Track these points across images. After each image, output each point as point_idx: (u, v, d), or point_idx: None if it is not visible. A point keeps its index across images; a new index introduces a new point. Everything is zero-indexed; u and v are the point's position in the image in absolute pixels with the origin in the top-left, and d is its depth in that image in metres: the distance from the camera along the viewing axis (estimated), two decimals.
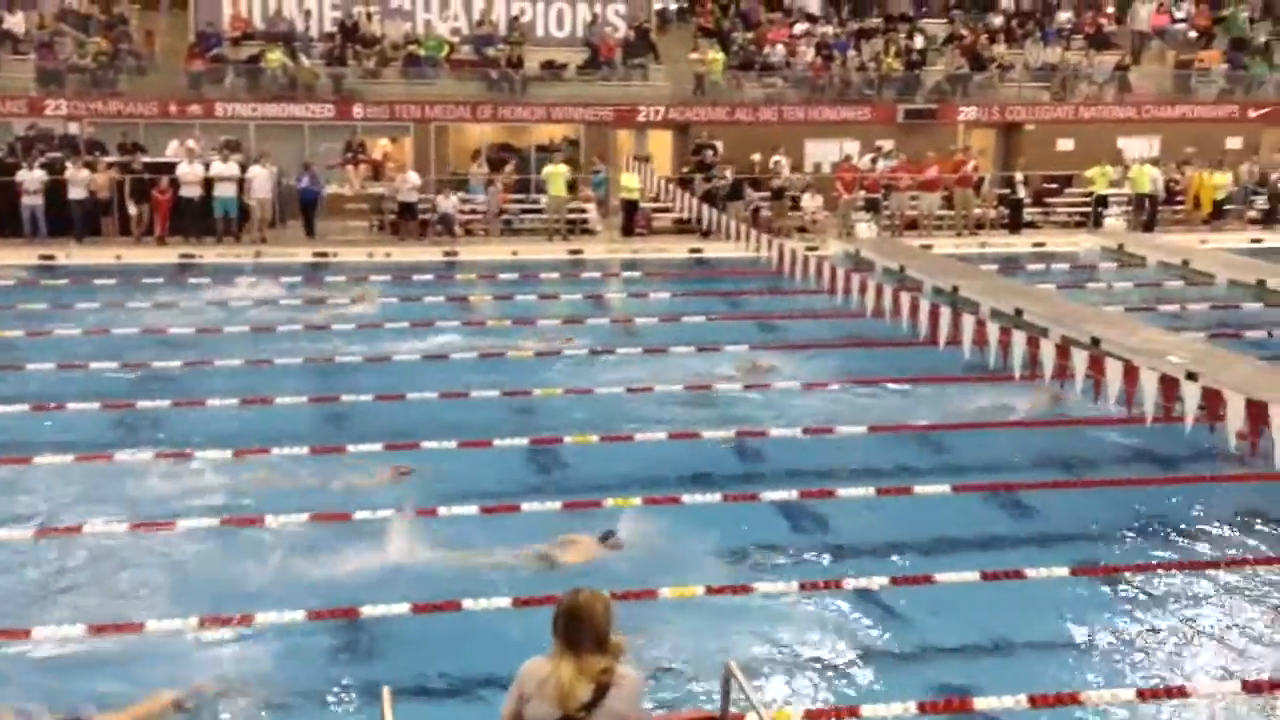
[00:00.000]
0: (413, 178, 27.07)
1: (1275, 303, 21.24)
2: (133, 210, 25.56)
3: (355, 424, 14.15)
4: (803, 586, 9.82)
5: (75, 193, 25.22)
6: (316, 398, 15.07)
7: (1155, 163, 30.82)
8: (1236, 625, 9.48)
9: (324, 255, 25.23)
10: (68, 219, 25.20)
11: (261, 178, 26.05)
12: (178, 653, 8.86)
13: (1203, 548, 10.95)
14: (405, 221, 26.91)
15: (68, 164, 25.50)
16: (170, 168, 25.92)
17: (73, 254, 24.39)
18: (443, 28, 31.55)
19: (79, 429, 13.63)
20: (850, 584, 9.82)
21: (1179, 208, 30.40)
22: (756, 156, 29.46)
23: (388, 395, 14.90)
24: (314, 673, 8.62)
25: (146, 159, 26.46)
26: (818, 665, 8.71)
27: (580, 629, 5.03)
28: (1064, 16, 35.02)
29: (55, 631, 9.01)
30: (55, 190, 25.06)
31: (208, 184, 25.75)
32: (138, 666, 8.61)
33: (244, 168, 26.15)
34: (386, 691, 5.74)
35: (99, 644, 8.93)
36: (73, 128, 27.57)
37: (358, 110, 29.37)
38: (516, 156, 29.54)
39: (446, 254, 25.80)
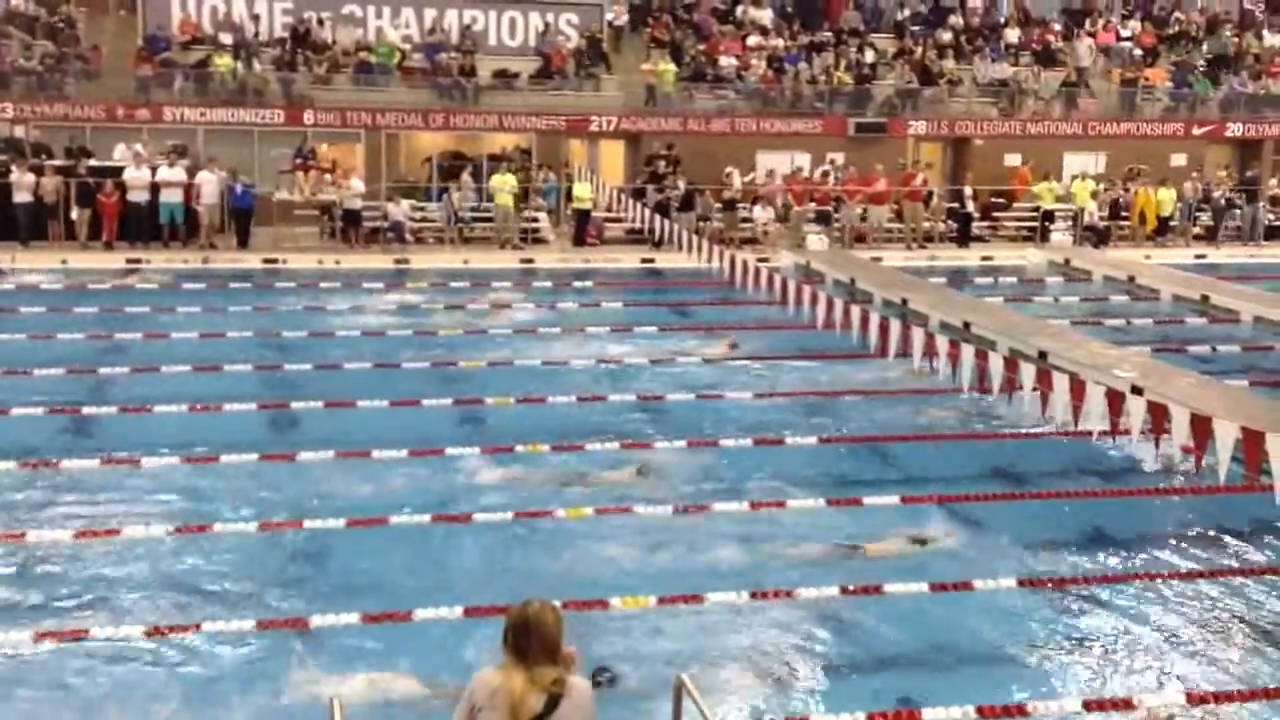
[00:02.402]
0: (356, 184, 26.93)
1: (1219, 318, 21.54)
2: (75, 214, 25.25)
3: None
4: (753, 595, 9.85)
5: (20, 196, 24.89)
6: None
7: (1097, 179, 31.26)
8: (1181, 636, 9.59)
9: (273, 262, 25.04)
10: (13, 222, 24.87)
11: (209, 184, 25.82)
12: None
13: (1148, 559, 11.08)
14: (351, 228, 26.77)
15: (13, 168, 25.16)
16: (117, 172, 25.64)
17: (18, 258, 24.06)
18: (394, 35, 31.44)
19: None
20: (801, 594, 9.86)
21: (1125, 224, 30.79)
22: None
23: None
24: None
25: (93, 163, 26.18)
26: (767, 676, 8.73)
27: (530, 640, 5.03)
28: (1012, 34, 35.36)
29: None
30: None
31: (155, 189, 25.50)
32: None
33: (191, 173, 25.92)
34: (336, 707, 5.69)
35: None
36: (18, 131, 27.17)
37: (308, 116, 29.18)
38: (471, 164, 29.45)
39: (397, 261, 25.69)
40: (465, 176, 28.24)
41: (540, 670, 5.00)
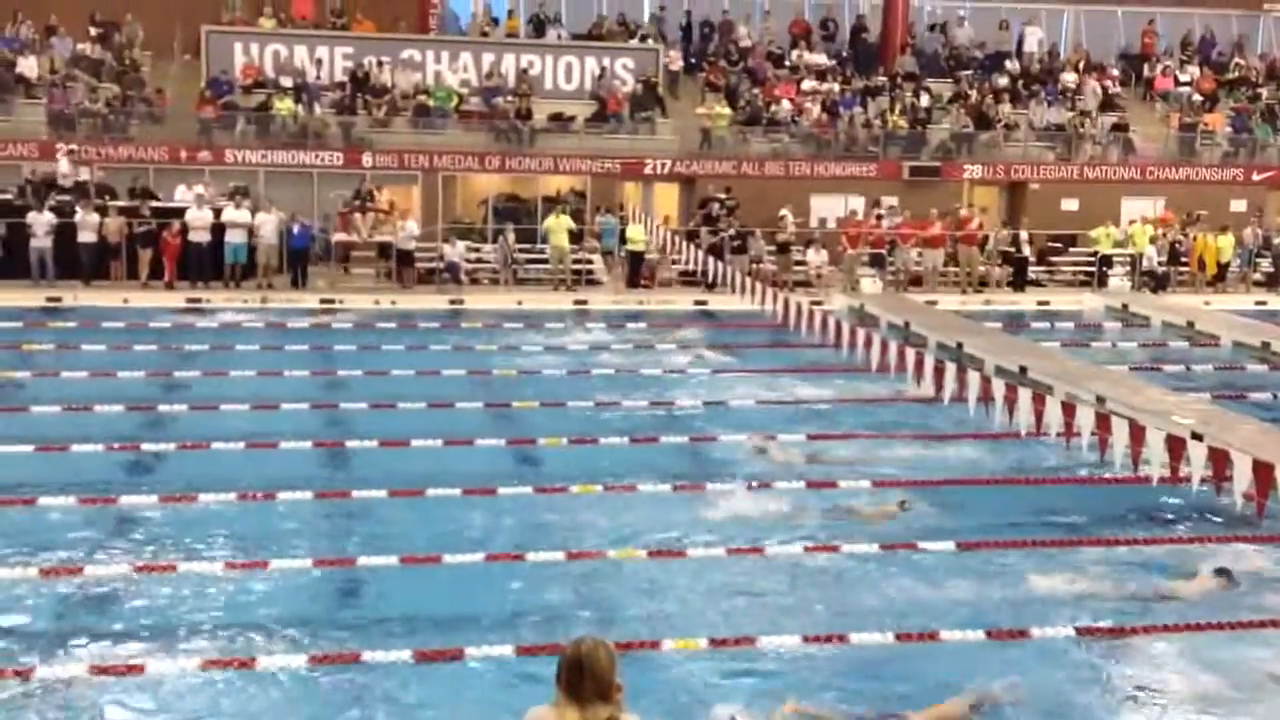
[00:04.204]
0: (411, 226, 27.20)
1: None
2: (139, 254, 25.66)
3: None
4: (804, 639, 9.78)
5: (84, 236, 25.33)
6: None
7: (1156, 224, 30.99)
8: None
9: (330, 303, 25.29)
10: (76, 261, 25.31)
11: (269, 224, 26.17)
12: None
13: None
14: (404, 269, 27.02)
15: (77, 208, 25.62)
16: (179, 213, 26.04)
17: (80, 296, 24.45)
18: (452, 79, 31.77)
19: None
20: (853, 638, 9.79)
21: (1184, 270, 30.47)
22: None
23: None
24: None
25: (156, 204, 26.60)
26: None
27: (584, 678, 5.02)
28: (1070, 78, 35.20)
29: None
30: (64, 233, 25.16)
31: (216, 229, 25.87)
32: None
33: (252, 214, 26.29)
34: None
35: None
36: (83, 172, 27.68)
37: (367, 159, 29.53)
38: (525, 208, 29.69)
39: (452, 301, 25.87)
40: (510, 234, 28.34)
41: (594, 709, 4.99)
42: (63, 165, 27.20)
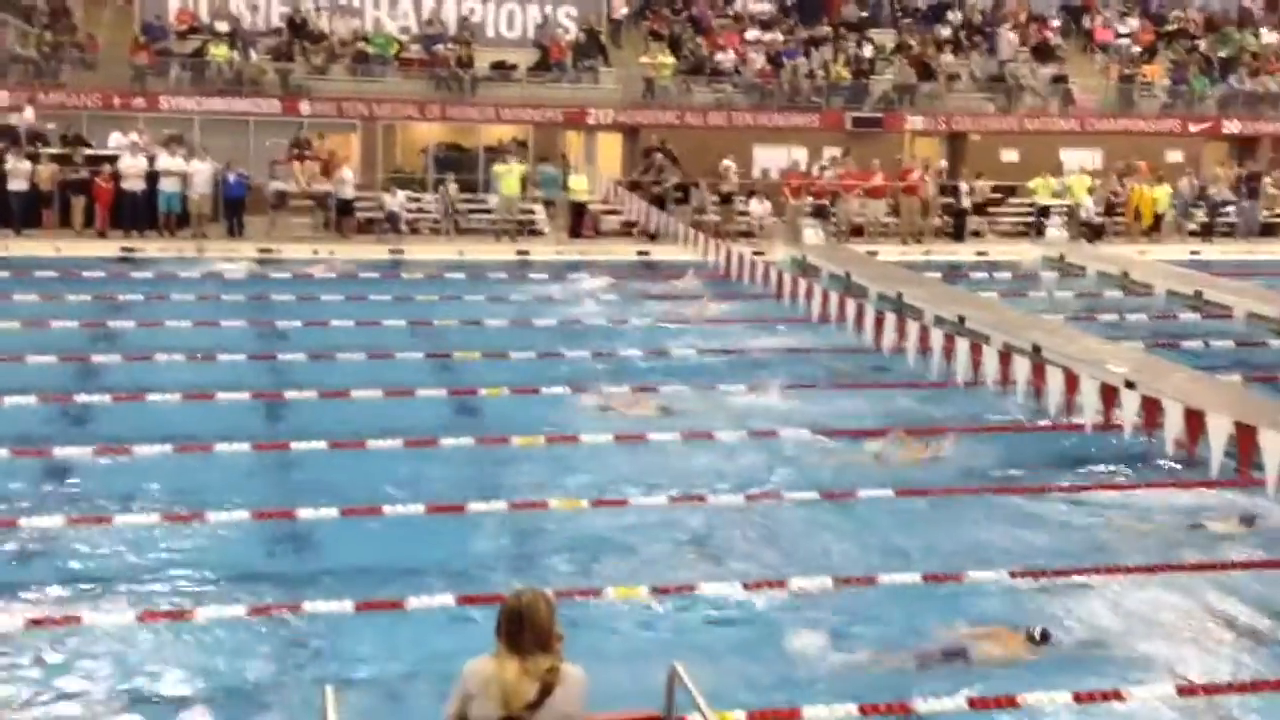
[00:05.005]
0: (346, 174, 26.90)
1: (1213, 313, 21.55)
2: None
3: None
4: (746, 586, 9.87)
5: (15, 184, 24.84)
6: None
7: (1093, 175, 31.28)
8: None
9: (268, 252, 25.00)
10: (7, 210, 24.83)
11: (202, 173, 25.78)
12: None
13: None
14: (343, 218, 26.74)
15: (8, 155, 25.11)
16: (113, 160, 25.59)
17: (11, 246, 24.02)
18: (392, 25, 31.40)
19: None
20: (792, 585, 9.89)
21: (1119, 220, 30.78)
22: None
23: None
24: None
25: (89, 151, 26.12)
26: (759, 667, 8.74)
27: (523, 630, 5.05)
28: (1010, 30, 35.28)
29: None
30: None
31: (150, 178, 25.46)
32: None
33: (187, 162, 25.87)
34: (330, 696, 5.68)
35: None
36: (13, 119, 27.13)
37: (304, 106, 29.13)
38: (466, 158, 29.46)
39: (392, 251, 25.66)
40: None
41: (534, 659, 5.01)
42: (28, 114, 26.70)
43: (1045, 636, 8.98)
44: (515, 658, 5.02)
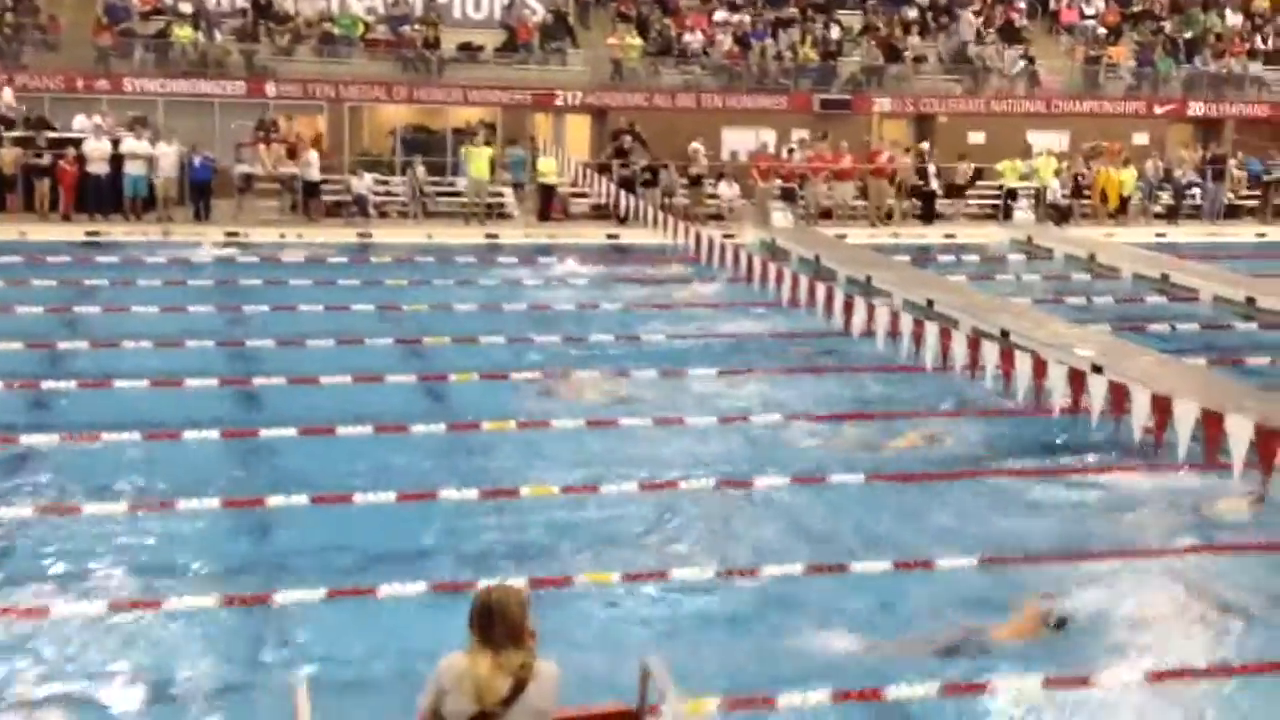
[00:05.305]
0: (311, 156, 26.75)
1: (1179, 296, 21.72)
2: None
3: None
4: (718, 575, 9.91)
5: None
6: None
7: (1060, 157, 31.41)
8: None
9: (234, 235, 24.83)
10: None
11: (168, 156, 25.57)
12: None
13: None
14: (312, 201, 26.59)
15: None
16: (77, 143, 25.34)
17: None
18: (358, 6, 31.16)
19: None
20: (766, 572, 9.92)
21: (1086, 203, 30.94)
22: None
23: None
24: None
25: (52, 134, 25.84)
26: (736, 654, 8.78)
27: (494, 626, 5.06)
28: (974, 10, 35.31)
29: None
30: None
31: (114, 161, 25.22)
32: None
33: (152, 144, 25.65)
34: (301, 689, 5.68)
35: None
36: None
37: (270, 88, 28.91)
38: (434, 140, 29.33)
39: (360, 235, 25.53)
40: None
41: (507, 654, 5.02)
42: (6, 95, 26.39)
43: (1062, 623, 9.09)
44: (488, 653, 5.04)
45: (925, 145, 30.50)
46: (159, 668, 8.37)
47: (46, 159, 25.11)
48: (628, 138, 29.42)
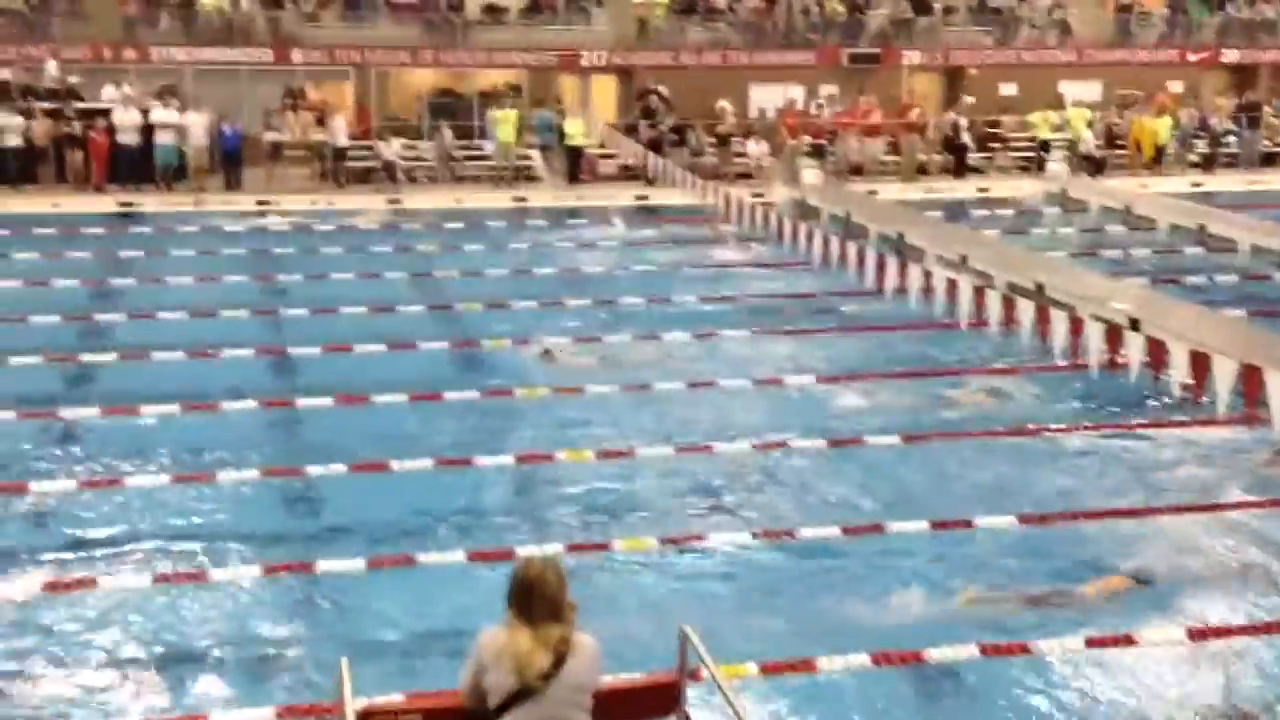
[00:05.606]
0: (340, 123, 26.75)
1: (1217, 247, 21.47)
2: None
3: None
4: (754, 536, 9.92)
5: (9, 140, 24.69)
6: None
7: (1093, 108, 31.07)
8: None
9: (265, 204, 24.87)
10: (2, 166, 24.70)
11: (198, 125, 25.61)
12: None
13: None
14: (339, 167, 26.62)
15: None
16: (106, 114, 25.41)
17: (8, 202, 23.89)
18: None
19: None
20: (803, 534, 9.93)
21: (1121, 153, 30.61)
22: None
23: None
24: None
25: (82, 105, 25.92)
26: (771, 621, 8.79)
27: (533, 600, 5.06)
28: None
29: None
30: None
31: (145, 131, 25.28)
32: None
33: (181, 114, 25.71)
34: (344, 661, 5.72)
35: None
36: (4, 73, 26.91)
37: (296, 55, 28.90)
38: (461, 104, 29.29)
39: (390, 201, 25.54)
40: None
41: (546, 629, 5.03)
42: (51, 69, 26.49)
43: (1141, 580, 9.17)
44: (527, 628, 5.04)
45: (954, 117, 30.00)
46: (205, 638, 8.46)
47: (77, 129, 25.18)
48: (654, 98, 29.27)
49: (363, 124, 28.21)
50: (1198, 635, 8.36)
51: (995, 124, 31.18)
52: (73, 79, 26.96)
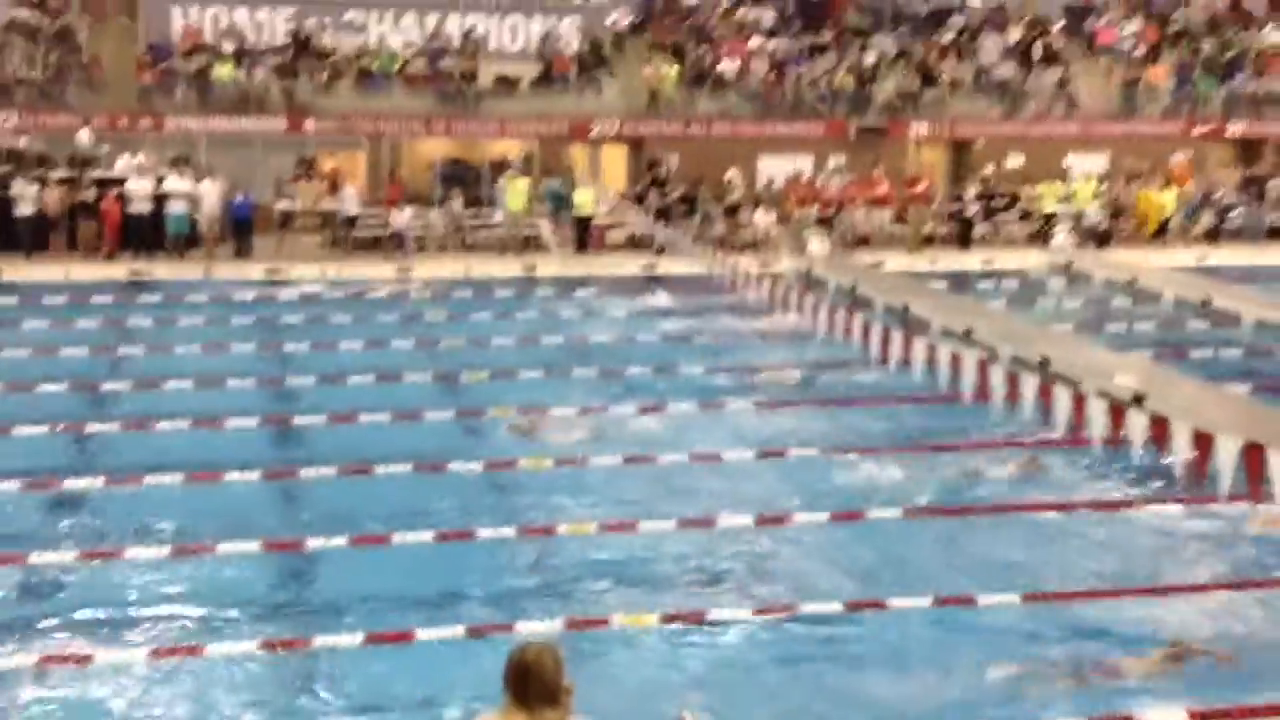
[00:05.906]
0: (349, 191, 26.99)
1: (1221, 320, 21.50)
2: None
3: None
4: (756, 613, 9.89)
5: (23, 209, 24.93)
6: None
7: (1100, 180, 31.22)
8: None
9: (275, 272, 25.04)
10: (14, 235, 24.91)
11: (211, 194, 25.86)
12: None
13: None
14: (349, 235, 26.82)
15: (15, 180, 25.18)
16: (120, 183, 25.67)
17: (20, 271, 24.10)
18: (396, 41, 31.45)
19: None
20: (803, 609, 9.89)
21: (1126, 225, 30.70)
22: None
23: None
24: None
25: (97, 174, 26.19)
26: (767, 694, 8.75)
27: (529, 686, 5.06)
28: (1014, 33, 35.20)
29: None
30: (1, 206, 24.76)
31: (157, 200, 25.52)
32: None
33: (195, 183, 25.97)
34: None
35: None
36: (21, 142, 27.22)
37: (310, 124, 29.21)
38: (472, 173, 29.58)
39: (400, 270, 25.69)
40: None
41: (542, 714, 5.02)
42: (83, 136, 26.82)
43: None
44: (523, 712, 5.04)
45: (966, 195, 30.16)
46: (201, 714, 8.42)
47: (91, 196, 25.41)
48: (663, 169, 29.52)
49: (394, 194, 28.27)
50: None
51: (1007, 195, 31.30)
52: (100, 147, 27.26)
